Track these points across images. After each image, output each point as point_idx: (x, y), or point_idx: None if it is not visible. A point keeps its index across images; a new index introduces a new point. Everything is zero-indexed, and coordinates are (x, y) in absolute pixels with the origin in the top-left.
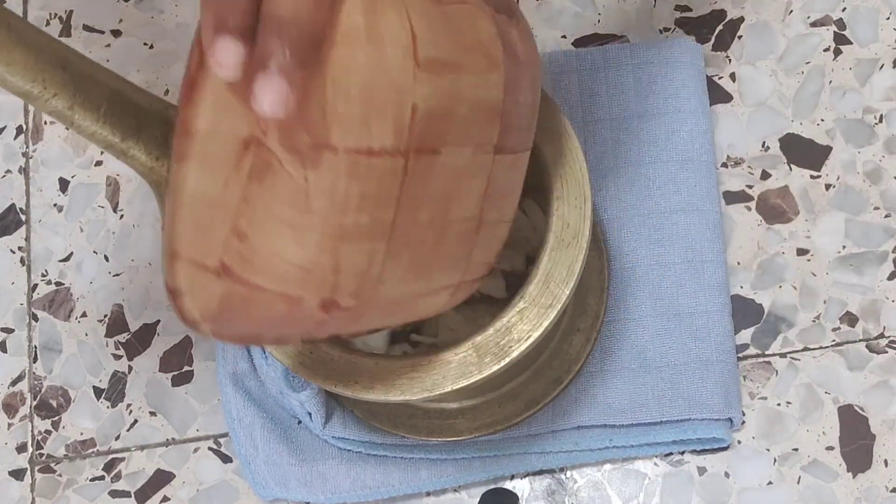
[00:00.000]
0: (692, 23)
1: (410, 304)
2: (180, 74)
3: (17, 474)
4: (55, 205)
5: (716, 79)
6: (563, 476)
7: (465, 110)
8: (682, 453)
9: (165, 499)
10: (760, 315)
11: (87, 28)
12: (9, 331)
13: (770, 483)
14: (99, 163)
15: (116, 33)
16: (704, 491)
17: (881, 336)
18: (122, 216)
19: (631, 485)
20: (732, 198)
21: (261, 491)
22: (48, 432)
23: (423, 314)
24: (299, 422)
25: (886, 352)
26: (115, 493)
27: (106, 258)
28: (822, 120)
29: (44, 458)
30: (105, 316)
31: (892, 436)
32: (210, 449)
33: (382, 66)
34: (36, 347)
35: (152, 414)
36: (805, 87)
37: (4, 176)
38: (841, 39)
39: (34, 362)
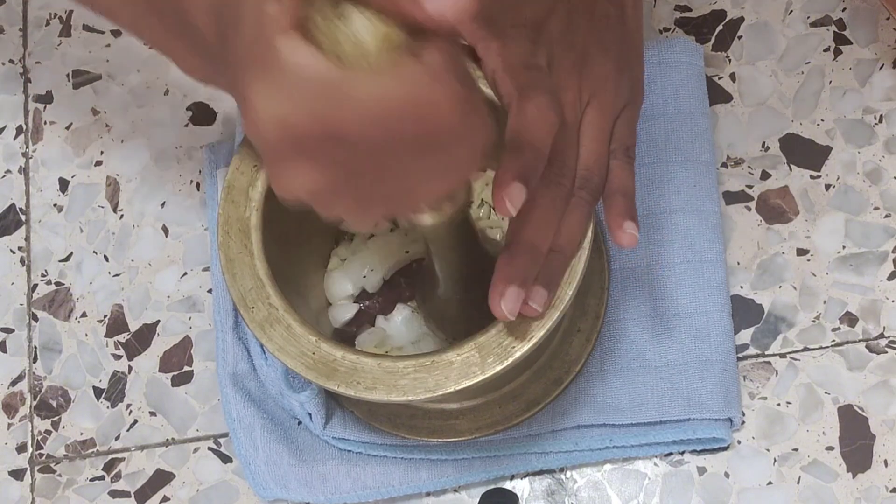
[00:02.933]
0: (692, 23)
1: None
2: (180, 74)
3: (17, 474)
4: (55, 205)
5: (716, 79)
6: (563, 476)
7: None
8: (682, 453)
9: (165, 499)
10: (760, 315)
11: (87, 28)
12: (9, 331)
13: (770, 483)
14: (99, 163)
15: (116, 33)
16: (704, 491)
17: (881, 336)
18: (122, 216)
19: (631, 485)
20: (732, 198)
21: (261, 491)
22: (48, 432)
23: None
24: (299, 422)
25: (886, 352)
26: (115, 493)
27: (106, 258)
28: (822, 120)
29: (44, 458)
30: (105, 316)
31: (892, 436)
32: (210, 449)
33: None
34: (36, 347)
35: (152, 414)
36: (805, 87)
37: (4, 176)
38: (841, 39)
39: (34, 362)
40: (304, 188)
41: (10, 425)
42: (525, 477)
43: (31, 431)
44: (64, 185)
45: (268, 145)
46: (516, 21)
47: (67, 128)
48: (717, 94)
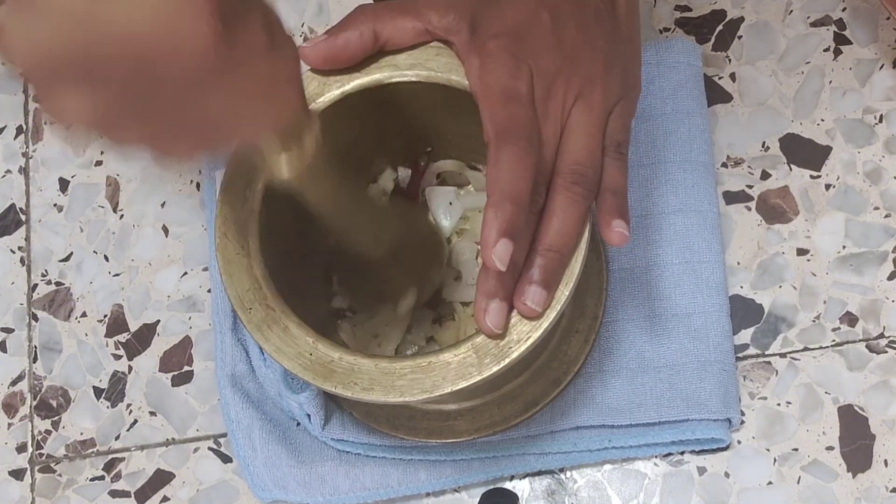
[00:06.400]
0: (692, 23)
1: None
2: None
3: (17, 474)
4: (55, 205)
5: (716, 79)
6: (563, 476)
7: None
8: (682, 453)
9: (165, 499)
10: (760, 315)
11: None
12: (9, 331)
13: (770, 483)
14: (99, 163)
15: None
16: (704, 491)
17: (881, 336)
18: (122, 216)
19: (631, 485)
20: (732, 198)
21: (259, 493)
22: (48, 432)
23: None
24: (298, 424)
25: (886, 352)
26: (115, 493)
27: (106, 258)
28: (822, 120)
29: (44, 458)
30: (105, 316)
31: (892, 436)
32: (210, 449)
33: None
34: (36, 347)
35: (152, 414)
36: (805, 87)
37: (4, 176)
38: (841, 39)
39: (34, 362)
40: (76, 116)
41: (10, 425)
42: (525, 477)
43: (31, 431)
44: (64, 184)
45: (25, 71)
46: (498, 30)
47: (67, 128)
48: (717, 94)
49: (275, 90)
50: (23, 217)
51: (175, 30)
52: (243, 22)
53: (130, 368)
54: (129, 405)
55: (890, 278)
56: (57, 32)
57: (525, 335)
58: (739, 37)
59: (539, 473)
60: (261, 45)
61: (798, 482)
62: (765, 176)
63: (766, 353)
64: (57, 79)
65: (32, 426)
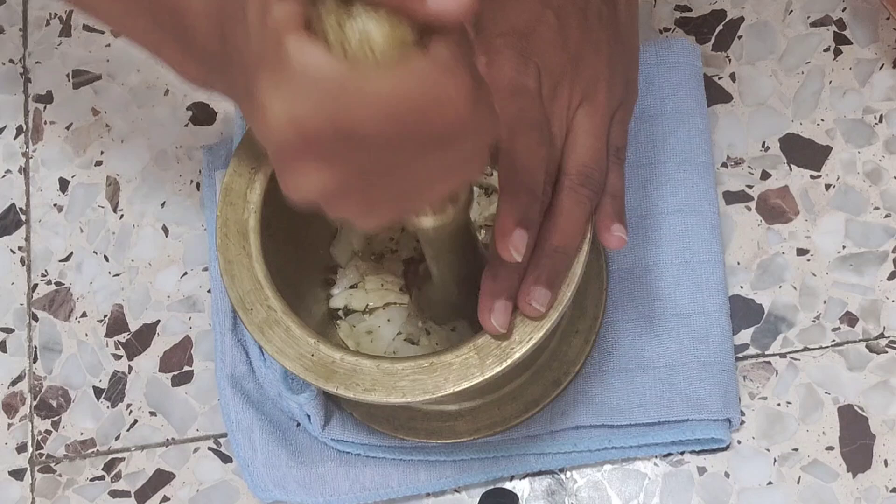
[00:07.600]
0: (692, 23)
1: None
2: None
3: (17, 474)
4: (55, 205)
5: (716, 79)
6: (563, 476)
7: None
8: (682, 453)
9: (165, 499)
10: (760, 315)
11: (87, 28)
12: (9, 331)
13: (770, 483)
14: (99, 163)
15: (117, 33)
16: (704, 491)
17: (881, 336)
18: (122, 216)
19: (631, 485)
20: (732, 198)
21: (259, 493)
22: (48, 432)
23: None
24: (298, 424)
25: (886, 352)
26: (115, 493)
27: (106, 258)
28: (822, 120)
29: (44, 458)
30: (105, 316)
31: (892, 436)
32: (210, 449)
33: None
34: (36, 347)
35: (152, 414)
36: (805, 87)
37: (4, 176)
38: (841, 39)
39: (34, 362)
40: (315, 189)
41: (10, 425)
42: (525, 477)
43: (31, 431)
44: (64, 185)
45: (279, 147)
46: (503, 29)
47: (67, 128)
48: (717, 94)
49: (479, 154)
50: (23, 217)
51: (439, 92)
52: (478, 85)
53: (130, 368)
54: (129, 405)
55: (890, 278)
56: (317, 105)
57: (527, 336)
58: (739, 37)
59: (539, 473)
60: (489, 109)
61: (798, 482)
62: (765, 176)
63: (766, 353)
64: (305, 154)
65: (32, 426)
